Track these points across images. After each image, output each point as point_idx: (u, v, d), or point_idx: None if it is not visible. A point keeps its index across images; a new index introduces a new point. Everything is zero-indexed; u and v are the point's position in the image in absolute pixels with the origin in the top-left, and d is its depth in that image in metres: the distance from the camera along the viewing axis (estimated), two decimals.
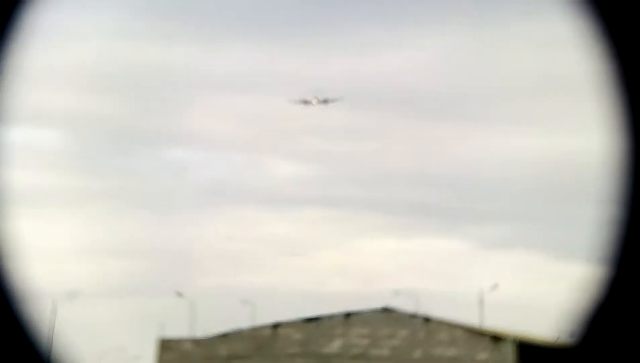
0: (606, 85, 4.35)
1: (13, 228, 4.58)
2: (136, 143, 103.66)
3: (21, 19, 4.67)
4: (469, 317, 44.79)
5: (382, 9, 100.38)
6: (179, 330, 46.49)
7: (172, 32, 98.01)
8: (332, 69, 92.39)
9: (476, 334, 40.16)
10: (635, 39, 4.33)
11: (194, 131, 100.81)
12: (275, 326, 44.71)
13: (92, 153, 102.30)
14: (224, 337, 45.17)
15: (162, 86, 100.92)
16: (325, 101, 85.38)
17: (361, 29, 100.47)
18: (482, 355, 38.94)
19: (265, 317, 45.79)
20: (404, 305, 45.45)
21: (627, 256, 4.25)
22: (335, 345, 43.38)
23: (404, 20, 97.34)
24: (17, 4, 4.63)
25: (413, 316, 42.71)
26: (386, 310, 43.36)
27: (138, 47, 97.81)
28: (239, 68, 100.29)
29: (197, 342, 45.51)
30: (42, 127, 78.82)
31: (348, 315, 43.67)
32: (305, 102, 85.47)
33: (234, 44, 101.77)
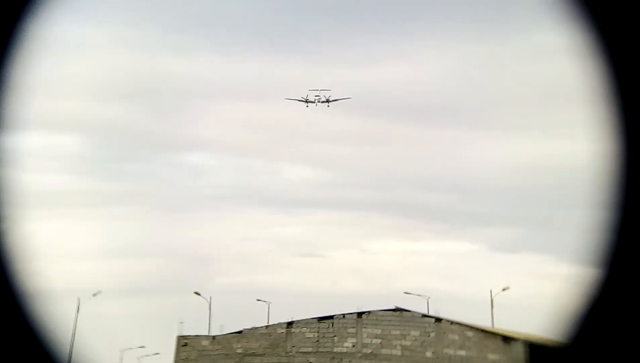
0: (602, 93, 4.44)
1: (34, 230, 4.80)
2: (154, 149, 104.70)
3: (39, 30, 4.62)
4: (480, 318, 45.86)
5: (389, 23, 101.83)
6: (197, 327, 47.67)
7: (187, 44, 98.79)
8: (341, 79, 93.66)
9: (487, 335, 40.84)
10: (630, 48, 4.40)
11: (209, 137, 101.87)
12: (289, 324, 45.79)
13: (111, 157, 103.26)
14: (240, 334, 46.31)
15: (177, 94, 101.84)
16: (327, 101, 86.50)
17: (368, 42, 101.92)
18: (494, 356, 39.77)
19: (280, 316, 46.98)
20: (415, 305, 46.61)
21: (625, 259, 4.33)
22: (347, 344, 44.35)
23: (410, 34, 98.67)
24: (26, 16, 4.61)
25: (424, 317, 43.60)
26: (398, 310, 43.99)
27: (155, 57, 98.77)
28: (251, 78, 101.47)
29: (213, 339, 46.70)
30: (63, 133, 79.71)
31: (360, 315, 44.55)
32: (307, 101, 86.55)
33: (247, 55, 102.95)
